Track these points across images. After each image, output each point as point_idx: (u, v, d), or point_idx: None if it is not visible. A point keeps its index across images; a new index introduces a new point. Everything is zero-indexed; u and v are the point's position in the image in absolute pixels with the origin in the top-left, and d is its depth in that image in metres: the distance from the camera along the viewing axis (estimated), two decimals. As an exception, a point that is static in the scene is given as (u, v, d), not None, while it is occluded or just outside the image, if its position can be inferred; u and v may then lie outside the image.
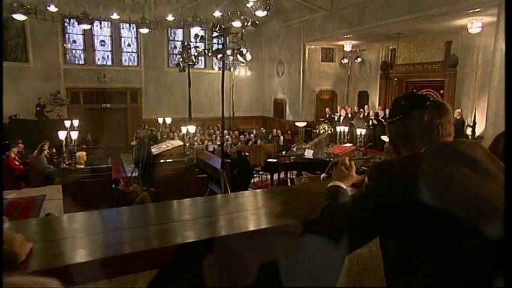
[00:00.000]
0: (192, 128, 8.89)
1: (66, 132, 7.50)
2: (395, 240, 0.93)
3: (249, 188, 8.24)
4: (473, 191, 0.86)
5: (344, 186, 1.16)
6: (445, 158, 0.89)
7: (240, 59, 7.98)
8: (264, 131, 13.70)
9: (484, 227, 0.83)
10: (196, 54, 9.67)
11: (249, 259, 1.08)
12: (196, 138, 11.88)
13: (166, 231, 1.09)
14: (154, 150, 8.73)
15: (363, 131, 9.13)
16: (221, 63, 11.18)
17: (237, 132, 13.25)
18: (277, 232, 1.12)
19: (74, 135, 7.67)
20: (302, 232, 1.15)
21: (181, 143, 8.88)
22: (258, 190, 1.94)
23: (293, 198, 1.42)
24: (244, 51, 7.80)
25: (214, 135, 12.73)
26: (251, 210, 1.26)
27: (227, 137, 12.00)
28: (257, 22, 9.20)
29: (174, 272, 1.00)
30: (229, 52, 7.52)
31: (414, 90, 11.25)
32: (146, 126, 9.63)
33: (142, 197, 6.71)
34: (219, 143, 10.42)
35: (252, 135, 12.93)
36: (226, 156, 8.64)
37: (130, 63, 13.43)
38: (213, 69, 14.27)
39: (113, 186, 7.33)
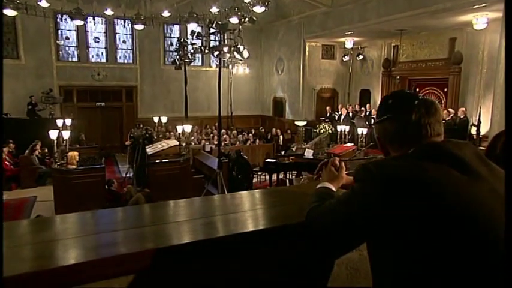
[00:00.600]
0: (188, 127, 8.86)
1: (57, 131, 7.47)
2: (382, 245, 0.90)
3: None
4: (461, 193, 0.84)
5: (333, 188, 1.16)
6: (433, 159, 0.88)
7: (237, 56, 7.99)
8: (263, 130, 13.68)
9: (472, 232, 0.81)
10: (192, 51, 9.64)
11: (233, 264, 1.08)
12: (193, 137, 11.91)
13: (146, 234, 1.08)
14: (150, 150, 8.75)
15: (364, 131, 9.06)
16: (218, 61, 11.17)
17: (235, 131, 13.20)
18: (263, 235, 1.11)
19: (66, 134, 7.63)
20: (289, 235, 1.14)
21: (177, 143, 8.88)
22: (251, 191, 1.90)
23: (286, 200, 1.42)
24: (242, 48, 7.81)
25: (211, 135, 12.71)
26: (234, 213, 1.26)
27: (225, 136, 12.04)
28: (255, 18, 9.16)
29: (151, 278, 0.98)
30: (226, 49, 7.51)
31: (417, 89, 11.29)
32: (141, 126, 9.57)
33: (136, 198, 6.70)
34: (216, 143, 10.44)
35: (250, 134, 12.91)
36: (224, 156, 8.64)
37: (126, 61, 13.34)
38: (210, 66, 14.25)
39: (106, 187, 7.31)
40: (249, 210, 1.28)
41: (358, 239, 0.97)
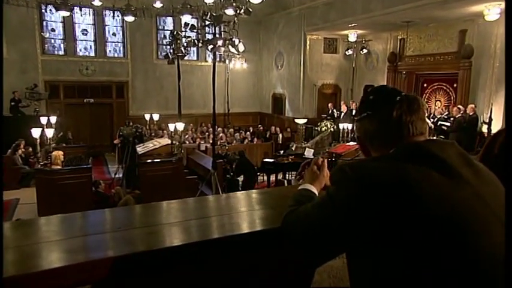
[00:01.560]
0: (180, 125, 8.84)
1: (40, 129, 7.41)
2: (360, 252, 0.89)
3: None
4: (442, 197, 0.83)
5: (314, 190, 1.15)
6: (413, 160, 0.87)
7: (232, 50, 7.94)
8: (261, 128, 13.67)
9: (454, 238, 0.80)
10: (185, 44, 9.58)
11: (200, 274, 1.07)
12: (187, 136, 11.98)
13: (136, 236, 1.08)
14: (140, 149, 8.83)
15: None
16: (213, 55, 10.99)
17: (232, 129, 13.22)
18: (237, 241, 1.10)
19: (49, 132, 7.56)
20: (267, 241, 1.13)
21: (170, 142, 8.93)
22: (240, 192, 1.98)
23: (276, 202, 1.40)
24: (237, 41, 7.78)
25: (207, 133, 12.70)
26: (203, 218, 1.25)
27: (221, 135, 12.11)
28: (251, 10, 9.11)
29: (142, 281, 1.00)
30: (220, 42, 7.45)
31: (425, 84, 11.26)
32: (131, 123, 9.54)
33: (125, 200, 6.71)
34: (211, 141, 10.53)
35: (248, 133, 12.90)
36: (222, 158, 8.67)
37: (116, 55, 13.26)
38: (206, 61, 14.24)
39: (93, 188, 7.29)
40: (223, 215, 1.27)
41: (336, 245, 0.93)
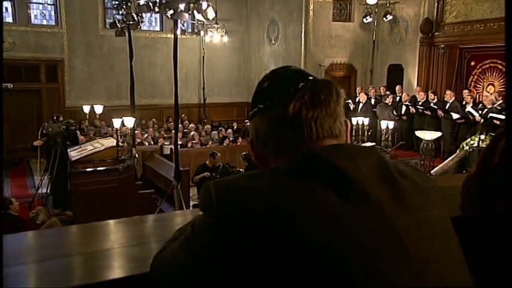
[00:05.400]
0: (129, 121, 8.65)
1: None
2: None
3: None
4: (332, 231, 0.80)
5: None
6: (306, 176, 0.85)
7: (199, 17, 7.76)
8: (248, 124, 13.57)
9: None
10: (137, 9, 9.35)
11: None
12: (146, 135, 12.13)
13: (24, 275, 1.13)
14: (74, 153, 8.75)
15: (391, 124, 9.03)
16: (183, 24, 10.68)
17: (208, 126, 13.44)
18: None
19: None
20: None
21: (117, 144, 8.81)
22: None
23: None
24: (204, 5, 7.67)
25: (174, 131, 12.67)
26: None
27: (193, 133, 12.28)
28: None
29: None
30: (182, 6, 7.36)
31: (472, 63, 11.15)
32: (60, 118, 9.28)
33: (50, 224, 6.68)
34: (180, 143, 10.60)
35: (230, 130, 13.06)
36: (210, 171, 8.76)
37: (45, 22, 13.12)
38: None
39: (2, 210, 7.01)
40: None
41: None
